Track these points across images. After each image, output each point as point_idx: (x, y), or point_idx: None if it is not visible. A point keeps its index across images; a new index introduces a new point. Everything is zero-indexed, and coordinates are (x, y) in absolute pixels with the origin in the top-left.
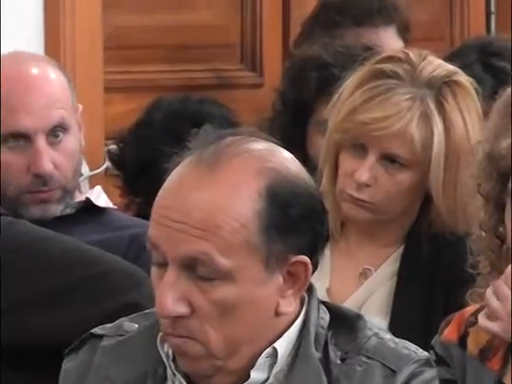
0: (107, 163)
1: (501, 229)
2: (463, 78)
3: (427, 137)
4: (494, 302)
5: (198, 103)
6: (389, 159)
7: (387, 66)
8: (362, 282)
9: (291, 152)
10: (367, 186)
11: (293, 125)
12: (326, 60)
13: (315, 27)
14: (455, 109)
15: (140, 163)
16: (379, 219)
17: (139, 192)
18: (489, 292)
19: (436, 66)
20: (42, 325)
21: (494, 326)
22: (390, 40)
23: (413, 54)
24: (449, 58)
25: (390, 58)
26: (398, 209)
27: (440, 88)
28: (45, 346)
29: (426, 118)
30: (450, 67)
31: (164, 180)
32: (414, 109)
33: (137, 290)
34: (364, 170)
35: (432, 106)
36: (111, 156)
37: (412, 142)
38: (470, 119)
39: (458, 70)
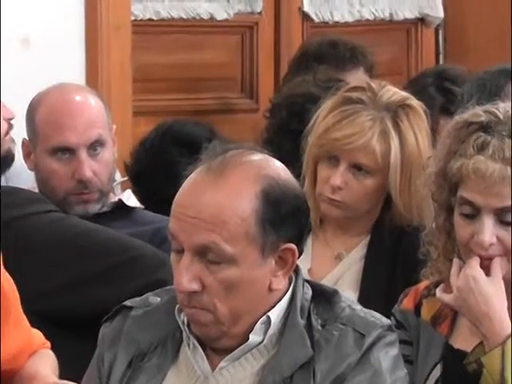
0: None
1: (447, 225)
2: (415, 102)
3: (386, 150)
4: (453, 279)
5: (182, 125)
6: (356, 168)
7: (354, 94)
8: (336, 263)
9: (284, 163)
10: (340, 189)
11: (291, 146)
12: (318, 95)
13: (299, 69)
14: (408, 127)
15: (135, 172)
16: (349, 215)
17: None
18: (451, 271)
19: (392, 93)
20: (90, 298)
21: (447, 297)
22: (359, 78)
23: (374, 84)
24: (410, 83)
25: (356, 88)
26: (364, 207)
27: (396, 111)
28: (90, 315)
29: (384, 135)
30: (404, 94)
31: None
32: (375, 127)
33: (162, 270)
34: (337, 176)
35: (389, 125)
36: (126, 167)
37: (374, 154)
38: (420, 136)
39: (411, 96)
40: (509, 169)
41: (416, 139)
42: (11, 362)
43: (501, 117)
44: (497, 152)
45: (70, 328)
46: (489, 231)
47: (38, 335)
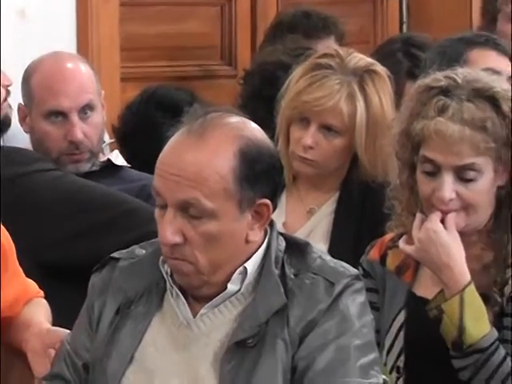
0: None
1: (410, 182)
2: (379, 67)
3: (352, 111)
4: (415, 231)
5: (165, 90)
6: (326, 128)
7: (323, 60)
8: (308, 218)
9: (260, 126)
10: (311, 148)
11: (264, 111)
12: (288, 63)
13: (275, 39)
14: (373, 91)
15: (122, 134)
16: (320, 173)
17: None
18: (414, 225)
19: (359, 59)
20: (90, 249)
21: (410, 249)
22: (330, 47)
23: (342, 51)
24: (378, 48)
25: (325, 55)
26: (333, 164)
27: (362, 75)
28: (88, 265)
29: (351, 97)
30: (370, 60)
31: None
32: (342, 91)
33: (153, 222)
34: (308, 136)
35: (356, 88)
36: (113, 129)
37: (341, 115)
38: (384, 98)
39: (376, 62)
40: (467, 129)
41: (380, 102)
42: (9, 309)
43: (459, 81)
44: (456, 114)
45: (67, 278)
46: (448, 187)
47: (32, 285)
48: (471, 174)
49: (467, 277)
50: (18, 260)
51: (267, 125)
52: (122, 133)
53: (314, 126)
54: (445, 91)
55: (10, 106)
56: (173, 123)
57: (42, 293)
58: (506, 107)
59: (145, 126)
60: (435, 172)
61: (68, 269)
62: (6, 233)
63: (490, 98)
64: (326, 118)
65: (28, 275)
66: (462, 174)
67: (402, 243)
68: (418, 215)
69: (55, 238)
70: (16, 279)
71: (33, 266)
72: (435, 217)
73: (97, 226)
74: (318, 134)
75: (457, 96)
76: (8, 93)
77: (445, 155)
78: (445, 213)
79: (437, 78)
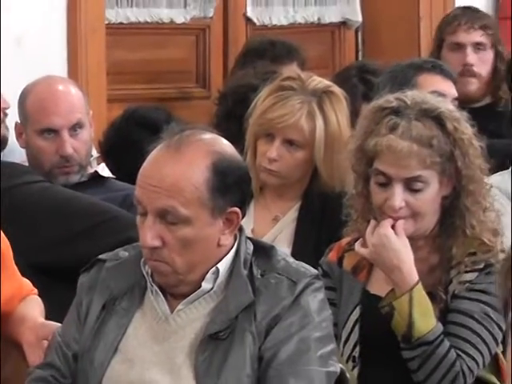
0: None
1: (365, 192)
2: (337, 89)
3: (312, 127)
4: (369, 236)
5: (145, 110)
6: (288, 143)
7: (286, 83)
8: (274, 224)
9: (231, 142)
10: (275, 160)
11: (236, 128)
12: (257, 85)
13: (244, 64)
14: (331, 110)
15: (106, 149)
16: (283, 183)
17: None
18: (367, 230)
19: (318, 81)
20: (76, 253)
21: (364, 251)
22: (292, 71)
23: (303, 75)
24: (336, 75)
25: (288, 78)
26: (296, 175)
27: (320, 96)
28: (75, 267)
29: (311, 115)
30: (328, 82)
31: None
32: (303, 109)
33: (133, 229)
34: (273, 150)
35: (315, 107)
36: (99, 144)
37: (302, 131)
38: (340, 117)
39: (334, 84)
40: (415, 146)
41: (337, 120)
42: (6, 304)
43: (408, 102)
44: (405, 132)
45: (57, 278)
46: (398, 197)
47: (26, 283)
48: (419, 185)
49: (415, 277)
50: (14, 261)
51: (238, 141)
52: (106, 147)
53: (278, 141)
54: (395, 111)
55: (6, 127)
56: (151, 140)
57: (35, 290)
58: (450, 126)
59: (126, 142)
60: (387, 183)
61: (57, 269)
62: (4, 236)
63: (436, 118)
64: (288, 133)
65: (22, 275)
66: (411, 185)
67: (357, 246)
68: (372, 221)
69: (44, 243)
70: (12, 278)
71: (26, 266)
72: (386, 223)
73: (82, 231)
74: (281, 148)
75: (406, 116)
76: (5, 115)
77: (395, 168)
78: (395, 220)
79: (388, 99)
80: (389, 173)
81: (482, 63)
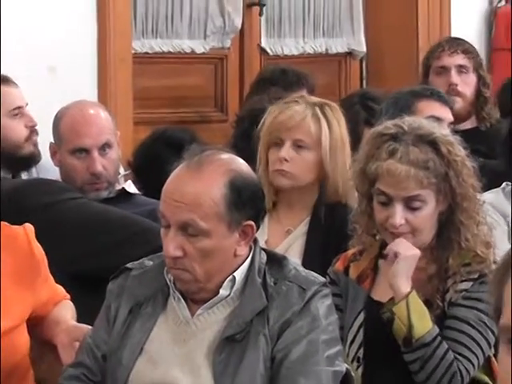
0: None
1: (368, 210)
2: (335, 104)
3: (318, 129)
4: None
5: (172, 131)
6: (297, 145)
7: (289, 99)
8: (286, 236)
9: (246, 162)
10: (286, 161)
11: (251, 148)
12: None
13: (258, 90)
14: (333, 117)
15: (136, 167)
16: (295, 185)
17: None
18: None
19: (320, 99)
20: (111, 262)
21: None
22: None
23: (306, 96)
24: (341, 101)
25: (294, 97)
26: (306, 177)
27: (322, 105)
28: (109, 275)
29: (315, 117)
30: (328, 101)
31: (165, 177)
32: (308, 111)
33: (160, 239)
34: (283, 151)
35: (319, 112)
36: (129, 163)
37: (309, 132)
38: (341, 124)
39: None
40: (412, 169)
41: (339, 126)
42: (42, 308)
43: (406, 129)
44: (403, 156)
45: (90, 285)
46: (399, 215)
47: (60, 289)
48: (417, 204)
49: (409, 286)
50: (50, 270)
51: (253, 160)
52: (136, 165)
53: (288, 143)
54: (394, 137)
55: (35, 145)
56: (177, 158)
57: (68, 296)
58: (444, 149)
59: (154, 160)
60: (388, 202)
61: (92, 277)
62: (39, 246)
63: (431, 143)
64: (296, 134)
65: (57, 282)
66: (410, 204)
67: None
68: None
69: (80, 253)
70: (47, 284)
71: (61, 275)
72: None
73: (115, 242)
74: (291, 151)
75: (404, 141)
76: (35, 132)
77: (395, 189)
78: (396, 235)
79: (387, 126)
80: (389, 193)
81: (465, 84)
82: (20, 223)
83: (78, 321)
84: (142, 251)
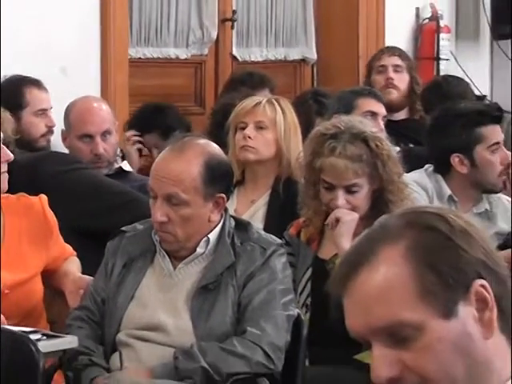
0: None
1: (315, 193)
2: (287, 101)
3: (273, 113)
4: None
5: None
6: (258, 126)
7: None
8: (251, 206)
9: (219, 146)
10: (250, 138)
11: (223, 136)
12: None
13: (229, 89)
14: (285, 107)
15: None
16: (257, 158)
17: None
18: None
19: (276, 96)
20: (111, 221)
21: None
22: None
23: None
24: (296, 98)
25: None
26: (266, 152)
27: (277, 99)
28: (109, 231)
29: (271, 104)
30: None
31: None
32: (265, 101)
33: (148, 207)
34: (247, 131)
35: (274, 102)
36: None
37: (266, 115)
38: (293, 114)
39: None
40: (349, 163)
41: (290, 113)
42: (53, 263)
43: (342, 128)
44: (342, 152)
45: (93, 242)
46: (340, 198)
47: (68, 247)
48: (354, 189)
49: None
50: (61, 227)
51: (224, 146)
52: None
53: (251, 125)
54: (333, 136)
55: (48, 141)
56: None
57: (75, 253)
58: (373, 145)
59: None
60: (331, 188)
61: (93, 235)
62: (52, 213)
63: (363, 140)
64: (256, 116)
65: (67, 238)
66: (349, 189)
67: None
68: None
69: (88, 213)
70: (58, 244)
71: (71, 232)
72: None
73: (115, 205)
74: (253, 130)
75: (341, 139)
76: (51, 132)
77: (337, 180)
78: None
79: (327, 127)
80: (332, 182)
81: (400, 80)
82: (38, 187)
83: (83, 272)
84: (132, 215)
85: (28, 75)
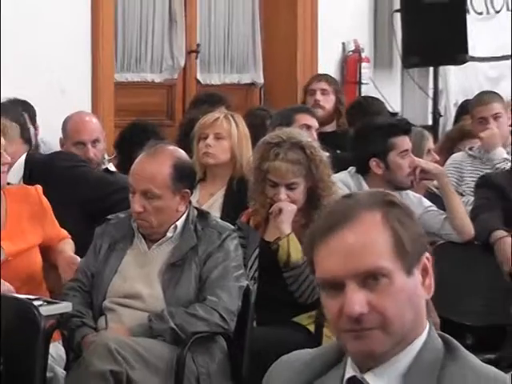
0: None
1: (262, 189)
2: (240, 116)
3: (229, 126)
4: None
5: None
6: (216, 137)
7: (215, 113)
8: (210, 198)
9: (185, 151)
10: (210, 146)
11: (188, 144)
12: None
13: (194, 106)
14: (239, 121)
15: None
16: (216, 162)
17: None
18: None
19: (231, 112)
20: (107, 206)
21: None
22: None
23: (223, 110)
24: (248, 111)
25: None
26: (222, 157)
27: (232, 115)
28: (107, 212)
29: (227, 119)
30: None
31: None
32: (222, 116)
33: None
34: (208, 140)
35: (229, 117)
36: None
37: (223, 128)
38: (245, 127)
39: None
40: (290, 165)
41: (243, 127)
42: (49, 241)
43: (284, 138)
44: (284, 157)
45: (90, 224)
46: (282, 193)
47: (63, 231)
48: (293, 186)
49: (290, 229)
50: (69, 210)
51: (189, 151)
52: (117, 153)
53: (211, 136)
54: (277, 144)
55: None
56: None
57: (69, 236)
58: (308, 151)
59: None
60: (275, 185)
61: (91, 216)
62: (46, 200)
63: (301, 147)
64: (215, 129)
65: (72, 220)
66: (289, 186)
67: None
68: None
69: (90, 199)
70: (53, 226)
71: (77, 214)
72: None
73: (108, 193)
74: (213, 140)
75: (283, 147)
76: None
77: (280, 179)
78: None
79: (272, 136)
80: (276, 181)
81: (326, 102)
82: (51, 178)
83: (79, 248)
84: (120, 198)
85: (31, 96)
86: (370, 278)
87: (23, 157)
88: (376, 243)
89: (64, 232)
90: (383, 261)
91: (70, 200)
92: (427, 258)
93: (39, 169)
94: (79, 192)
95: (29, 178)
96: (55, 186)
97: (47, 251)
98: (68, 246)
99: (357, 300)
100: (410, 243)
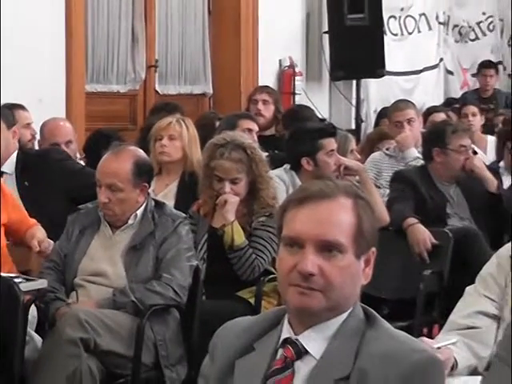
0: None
1: (208, 182)
2: (190, 120)
3: (180, 128)
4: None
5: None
6: (170, 138)
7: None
8: (165, 189)
9: (144, 151)
10: (165, 146)
11: (147, 145)
12: None
13: (153, 113)
14: (189, 124)
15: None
16: (170, 160)
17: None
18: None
19: (183, 117)
20: (84, 194)
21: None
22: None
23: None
24: (198, 118)
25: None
26: (176, 155)
27: (183, 119)
28: (90, 198)
29: (179, 122)
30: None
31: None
32: (174, 120)
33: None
34: (163, 141)
35: (181, 121)
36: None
37: (176, 130)
38: (194, 129)
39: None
40: (233, 164)
41: (193, 129)
42: (14, 225)
43: (228, 140)
44: (228, 156)
45: (76, 205)
46: (227, 188)
47: (32, 220)
48: (237, 181)
49: (234, 217)
50: (58, 196)
51: (148, 151)
52: (85, 157)
53: (166, 137)
54: (222, 146)
55: (33, 144)
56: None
57: (38, 224)
58: (249, 151)
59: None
60: (221, 180)
61: (74, 201)
62: (8, 190)
63: (243, 148)
64: (168, 131)
65: (60, 205)
66: (233, 182)
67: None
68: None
69: (75, 187)
70: (18, 212)
71: (63, 200)
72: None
73: (90, 183)
74: (167, 141)
75: (228, 148)
76: (34, 138)
77: (225, 175)
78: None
79: (218, 139)
80: (222, 176)
81: (266, 111)
82: (45, 168)
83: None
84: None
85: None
86: (327, 249)
87: (15, 154)
88: (342, 223)
89: (31, 220)
90: (343, 238)
91: (59, 187)
92: (373, 252)
93: (34, 160)
94: (67, 180)
95: (21, 169)
96: (47, 174)
97: (16, 233)
98: (40, 232)
99: (311, 261)
100: (367, 233)
